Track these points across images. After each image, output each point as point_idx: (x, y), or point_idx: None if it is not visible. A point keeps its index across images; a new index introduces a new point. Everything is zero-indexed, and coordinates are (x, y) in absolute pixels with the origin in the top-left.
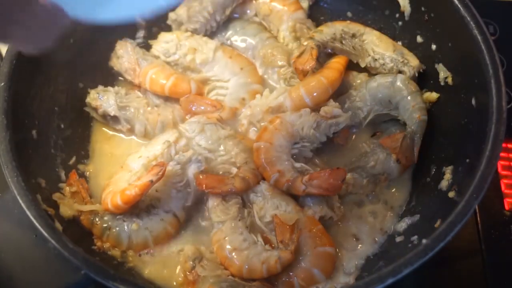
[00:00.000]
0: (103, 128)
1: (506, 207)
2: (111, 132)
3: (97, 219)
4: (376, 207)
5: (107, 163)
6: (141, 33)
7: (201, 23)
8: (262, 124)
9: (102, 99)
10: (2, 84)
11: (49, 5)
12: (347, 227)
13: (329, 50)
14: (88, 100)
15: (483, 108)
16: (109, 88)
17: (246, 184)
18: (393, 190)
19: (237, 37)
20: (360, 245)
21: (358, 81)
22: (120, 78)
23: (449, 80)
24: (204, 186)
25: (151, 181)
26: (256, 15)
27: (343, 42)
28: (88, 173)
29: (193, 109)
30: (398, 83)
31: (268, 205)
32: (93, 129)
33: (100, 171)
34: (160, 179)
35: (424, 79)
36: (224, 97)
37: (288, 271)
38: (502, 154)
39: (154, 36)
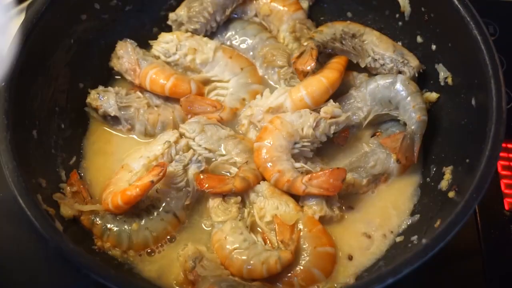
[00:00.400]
0: (103, 127)
1: (506, 207)
2: (110, 131)
3: (97, 219)
4: (381, 207)
5: (106, 162)
6: None
7: (202, 24)
8: (262, 124)
9: (103, 99)
10: (3, 84)
11: None
12: (354, 227)
13: (329, 50)
14: (88, 100)
15: (483, 108)
16: (109, 88)
17: (246, 184)
18: (396, 190)
19: (237, 37)
20: (371, 244)
21: (358, 81)
22: (120, 78)
23: (449, 80)
24: (204, 186)
25: (152, 182)
26: (256, 15)
27: (343, 42)
28: (87, 172)
29: (194, 109)
30: (398, 84)
31: (268, 205)
32: (92, 128)
33: (99, 171)
34: (161, 180)
35: (424, 79)
36: (224, 97)
37: (288, 270)
38: (501, 154)
39: (154, 37)
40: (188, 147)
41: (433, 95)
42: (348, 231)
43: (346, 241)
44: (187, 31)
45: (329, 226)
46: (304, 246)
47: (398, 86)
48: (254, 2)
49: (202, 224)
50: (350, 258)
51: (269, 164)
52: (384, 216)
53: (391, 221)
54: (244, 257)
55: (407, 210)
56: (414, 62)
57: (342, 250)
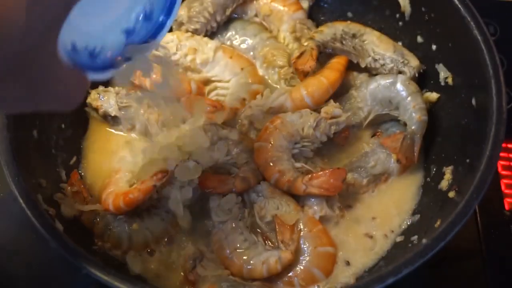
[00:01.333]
0: (102, 126)
1: (506, 207)
2: (110, 130)
3: (97, 219)
4: (382, 207)
5: (106, 162)
6: None
7: (202, 24)
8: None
9: (103, 99)
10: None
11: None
12: (355, 228)
13: (330, 51)
14: (88, 100)
15: (483, 108)
16: (110, 88)
17: (246, 184)
18: (397, 190)
19: (238, 37)
20: (374, 245)
21: (359, 81)
22: None
23: (450, 80)
24: (204, 186)
25: (155, 186)
26: (256, 15)
27: (344, 42)
28: (86, 171)
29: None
30: (399, 84)
31: (268, 205)
32: (92, 128)
33: (99, 170)
34: (163, 184)
35: (424, 79)
36: (224, 97)
37: (289, 271)
38: (502, 154)
39: None
40: None
41: (433, 95)
42: (350, 232)
43: (348, 242)
44: (187, 31)
45: (330, 227)
46: (305, 246)
47: (399, 86)
48: (255, 2)
49: (202, 224)
50: (348, 263)
51: (269, 164)
52: (385, 216)
53: (392, 221)
54: (244, 257)
55: (409, 210)
56: (414, 62)
57: (344, 251)
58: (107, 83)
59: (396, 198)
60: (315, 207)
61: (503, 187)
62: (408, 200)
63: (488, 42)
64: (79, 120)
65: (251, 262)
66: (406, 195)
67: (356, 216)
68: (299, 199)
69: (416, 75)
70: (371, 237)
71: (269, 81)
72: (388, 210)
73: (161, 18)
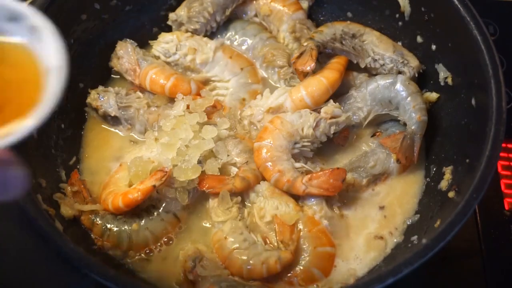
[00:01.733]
0: (102, 126)
1: (506, 207)
2: (109, 129)
3: (97, 219)
4: (384, 206)
5: (105, 161)
6: None
7: (202, 24)
8: (262, 124)
9: (103, 99)
10: None
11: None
12: (363, 232)
13: (329, 51)
14: (88, 100)
15: (483, 108)
16: (110, 88)
17: (246, 184)
18: (400, 189)
19: (237, 37)
20: (386, 245)
21: (359, 81)
22: (120, 77)
23: (449, 80)
24: (204, 186)
25: (154, 186)
26: (256, 15)
27: (343, 42)
28: (85, 170)
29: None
30: (398, 84)
31: (268, 205)
32: (91, 127)
33: (98, 169)
34: (163, 184)
35: (424, 79)
36: (224, 97)
37: (288, 270)
38: (501, 154)
39: (154, 37)
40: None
41: (433, 95)
42: (359, 236)
43: (362, 247)
44: (187, 31)
45: (336, 234)
46: (304, 246)
47: (398, 86)
48: (254, 2)
49: (202, 224)
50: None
51: (269, 164)
52: (389, 215)
53: (396, 220)
54: (244, 257)
55: (411, 209)
56: (414, 62)
57: (360, 257)
58: (106, 83)
59: (399, 197)
60: (315, 207)
61: (503, 187)
62: (411, 199)
63: (487, 42)
64: (79, 120)
65: (251, 262)
66: (409, 194)
67: (359, 217)
68: (299, 199)
69: (416, 75)
70: (381, 238)
71: (269, 81)
72: (392, 208)
73: None
